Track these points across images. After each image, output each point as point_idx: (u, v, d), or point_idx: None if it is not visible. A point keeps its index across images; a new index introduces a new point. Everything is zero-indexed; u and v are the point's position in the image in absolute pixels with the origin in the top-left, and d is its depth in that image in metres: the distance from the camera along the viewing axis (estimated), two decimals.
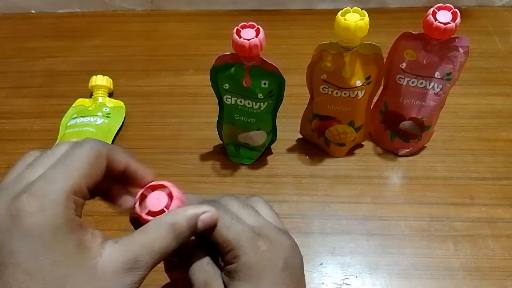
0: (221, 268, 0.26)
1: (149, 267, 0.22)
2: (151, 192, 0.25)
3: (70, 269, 0.20)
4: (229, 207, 0.26)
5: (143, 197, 0.25)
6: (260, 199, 0.29)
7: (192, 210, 0.24)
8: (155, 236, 0.23)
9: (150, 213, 0.24)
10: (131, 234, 0.23)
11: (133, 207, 0.25)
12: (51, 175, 0.22)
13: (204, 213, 0.24)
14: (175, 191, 0.25)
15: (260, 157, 0.50)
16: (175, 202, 0.25)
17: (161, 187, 0.25)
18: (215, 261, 0.26)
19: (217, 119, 0.48)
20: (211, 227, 0.25)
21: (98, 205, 0.49)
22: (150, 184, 0.26)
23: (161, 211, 0.24)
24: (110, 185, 0.26)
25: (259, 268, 0.24)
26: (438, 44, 0.41)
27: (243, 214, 0.26)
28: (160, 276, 0.40)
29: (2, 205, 0.21)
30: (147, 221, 0.24)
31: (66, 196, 0.21)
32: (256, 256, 0.24)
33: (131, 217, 0.27)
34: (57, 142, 0.52)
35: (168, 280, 0.37)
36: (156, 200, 0.25)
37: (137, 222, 0.25)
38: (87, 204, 0.43)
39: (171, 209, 0.24)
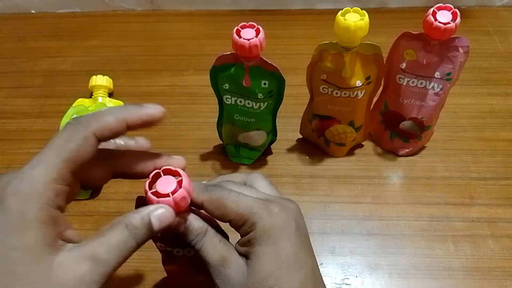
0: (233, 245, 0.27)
1: (110, 263, 0.22)
2: (164, 176, 0.26)
3: (25, 259, 0.20)
4: (231, 187, 0.28)
5: (155, 178, 0.26)
6: (259, 174, 0.30)
7: (145, 209, 0.24)
8: (111, 234, 0.23)
9: (157, 193, 0.25)
10: (89, 237, 0.23)
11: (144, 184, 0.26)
12: (34, 162, 0.22)
13: (158, 209, 0.24)
14: (185, 181, 0.26)
15: (260, 157, 0.50)
16: (181, 192, 0.25)
17: (176, 173, 0.26)
18: (226, 238, 0.28)
19: (217, 119, 0.48)
20: (222, 206, 0.26)
21: (98, 205, 0.49)
22: (166, 167, 0.26)
23: (167, 195, 0.25)
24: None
25: (276, 229, 0.25)
26: (438, 44, 0.41)
27: (245, 191, 0.27)
28: (160, 276, 0.40)
29: (2, 182, 0.22)
30: (150, 200, 0.25)
31: (43, 184, 0.21)
32: (271, 219, 0.26)
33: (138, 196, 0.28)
34: None
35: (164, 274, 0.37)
36: (166, 184, 0.25)
37: (142, 201, 0.26)
38: (87, 204, 0.43)
39: (175, 197, 0.25)
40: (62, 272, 0.21)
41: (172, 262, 0.34)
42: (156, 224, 0.24)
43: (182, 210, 0.26)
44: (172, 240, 0.31)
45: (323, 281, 0.28)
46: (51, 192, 0.22)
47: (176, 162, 0.27)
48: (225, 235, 0.28)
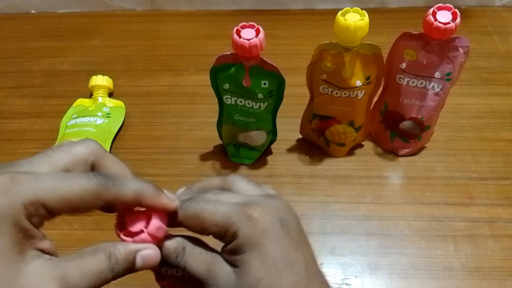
0: (218, 252, 0.26)
1: None
2: (131, 211, 0.24)
3: None
4: (208, 198, 0.26)
5: (121, 216, 0.25)
6: (236, 177, 0.29)
7: (134, 246, 0.23)
8: (90, 261, 0.22)
9: (128, 233, 0.24)
10: (69, 254, 0.22)
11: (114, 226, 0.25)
12: (42, 178, 0.21)
13: (146, 249, 0.24)
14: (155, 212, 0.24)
15: (260, 157, 0.50)
16: (153, 223, 0.24)
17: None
18: (208, 248, 0.27)
19: (217, 119, 0.48)
20: (199, 222, 0.25)
21: None
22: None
23: (140, 232, 0.24)
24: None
25: (259, 235, 0.24)
26: (438, 44, 0.41)
27: (223, 198, 0.26)
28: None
29: None
30: (125, 241, 0.24)
31: (33, 198, 0.21)
32: (252, 225, 0.24)
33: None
34: (57, 142, 0.52)
35: None
36: (135, 219, 0.24)
37: (122, 216, 0.25)
38: None
39: (149, 230, 0.24)
40: (29, 282, 0.20)
41: (163, 279, 0.34)
42: (139, 264, 0.23)
43: (161, 239, 0.25)
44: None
45: (320, 276, 0.26)
46: (33, 210, 0.21)
47: (166, 202, 0.25)
48: (207, 245, 0.27)
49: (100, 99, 0.56)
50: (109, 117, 0.54)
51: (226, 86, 0.43)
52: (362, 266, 0.41)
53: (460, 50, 0.41)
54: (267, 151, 0.51)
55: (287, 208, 0.27)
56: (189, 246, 0.26)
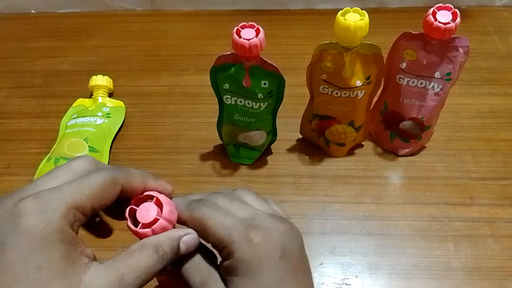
0: (217, 265, 0.26)
1: (136, 285, 0.23)
2: (139, 206, 0.25)
3: (52, 279, 0.20)
4: (218, 204, 0.26)
5: (132, 212, 0.25)
6: (245, 190, 0.29)
7: (175, 232, 0.25)
8: (140, 257, 0.23)
9: (144, 225, 0.24)
10: (116, 256, 0.23)
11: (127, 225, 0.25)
12: (61, 187, 0.22)
13: (186, 235, 0.25)
14: (162, 198, 0.25)
15: (260, 157, 0.50)
16: (166, 208, 0.25)
17: (148, 197, 0.26)
18: (209, 257, 0.27)
19: (217, 119, 0.48)
20: (202, 228, 0.25)
21: None
22: (137, 197, 0.26)
23: (154, 221, 0.24)
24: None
25: (255, 261, 0.24)
26: (438, 44, 0.41)
27: (232, 208, 0.26)
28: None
29: (9, 204, 0.21)
30: (143, 235, 0.24)
31: (66, 206, 0.22)
32: (250, 250, 0.24)
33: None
34: (57, 142, 0.52)
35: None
36: (146, 212, 0.25)
37: (133, 212, 0.26)
38: None
39: (164, 216, 0.25)
40: None
41: (161, 273, 0.34)
42: (183, 249, 0.25)
43: (175, 222, 0.26)
44: None
45: None
46: (72, 217, 0.22)
47: (161, 187, 0.27)
48: (209, 251, 0.27)
49: (100, 99, 0.56)
50: (109, 117, 0.54)
51: (226, 86, 0.43)
52: (362, 266, 0.41)
53: (460, 50, 0.41)
54: (267, 151, 0.51)
55: (292, 234, 0.26)
56: (191, 253, 0.26)
